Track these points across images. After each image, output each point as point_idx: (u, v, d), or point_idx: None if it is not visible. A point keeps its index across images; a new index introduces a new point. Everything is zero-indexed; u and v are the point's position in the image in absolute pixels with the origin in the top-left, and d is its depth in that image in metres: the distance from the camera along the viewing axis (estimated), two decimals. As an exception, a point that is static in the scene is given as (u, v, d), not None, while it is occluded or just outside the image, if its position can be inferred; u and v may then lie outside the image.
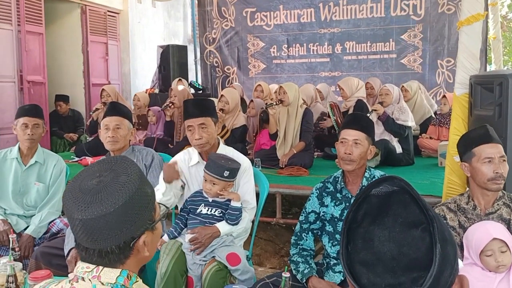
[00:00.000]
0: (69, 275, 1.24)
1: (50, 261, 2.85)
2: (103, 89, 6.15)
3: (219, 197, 2.68)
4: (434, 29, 7.83)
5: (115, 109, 3.11)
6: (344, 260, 0.88)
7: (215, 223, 2.69)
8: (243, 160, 2.84)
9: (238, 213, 2.68)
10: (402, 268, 0.83)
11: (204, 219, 2.70)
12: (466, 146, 2.40)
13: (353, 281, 0.85)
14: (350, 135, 2.48)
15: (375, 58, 8.27)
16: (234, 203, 2.68)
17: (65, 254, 2.74)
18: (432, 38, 7.85)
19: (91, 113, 6.15)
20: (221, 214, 2.71)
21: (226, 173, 2.62)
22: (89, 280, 1.17)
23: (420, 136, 5.96)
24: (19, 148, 3.34)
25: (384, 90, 5.33)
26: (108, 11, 8.97)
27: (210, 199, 2.72)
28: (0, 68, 6.37)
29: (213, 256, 2.61)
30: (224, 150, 2.87)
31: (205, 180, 2.70)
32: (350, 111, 5.62)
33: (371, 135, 2.54)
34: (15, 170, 3.30)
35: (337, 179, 2.55)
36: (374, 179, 2.46)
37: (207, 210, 2.71)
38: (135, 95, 6.82)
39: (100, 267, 1.18)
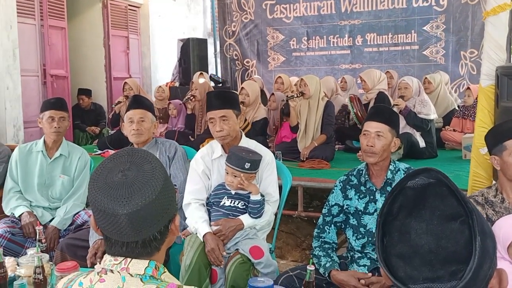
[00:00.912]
0: (95, 266, 1.24)
1: (75, 252, 2.89)
2: (125, 82, 6.19)
3: (240, 187, 2.68)
4: (457, 20, 7.70)
5: (139, 102, 3.13)
6: (379, 253, 0.87)
7: (239, 215, 2.69)
8: (266, 153, 2.83)
9: (259, 206, 2.68)
10: (440, 261, 0.82)
11: (228, 211, 2.70)
12: (496, 139, 2.36)
13: (390, 274, 0.84)
14: (372, 127, 2.45)
15: (397, 49, 8.18)
16: (253, 197, 2.68)
17: (90, 244, 2.77)
18: (455, 29, 7.73)
19: (113, 106, 6.20)
20: (244, 206, 2.71)
21: (247, 165, 2.62)
22: (118, 272, 1.17)
23: (443, 129, 5.88)
24: (45, 141, 3.37)
25: (403, 83, 5.25)
26: (129, 5, 9.02)
27: (233, 192, 2.72)
28: (24, 62, 6.44)
29: (237, 249, 2.61)
30: (247, 142, 2.86)
31: (227, 173, 2.71)
32: (371, 104, 5.57)
33: (395, 128, 2.50)
34: (41, 163, 3.34)
35: (361, 172, 2.53)
36: (398, 172, 2.45)
37: (230, 202, 2.72)
38: (160, 87, 6.84)
39: (128, 259, 1.18)
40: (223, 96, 2.84)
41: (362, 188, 2.49)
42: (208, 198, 2.81)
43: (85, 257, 2.79)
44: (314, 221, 4.73)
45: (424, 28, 7.92)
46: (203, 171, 2.82)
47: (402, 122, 4.98)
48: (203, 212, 2.74)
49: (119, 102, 5.98)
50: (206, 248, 2.57)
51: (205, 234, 2.61)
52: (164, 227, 1.21)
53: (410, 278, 0.83)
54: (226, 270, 2.54)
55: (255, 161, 2.66)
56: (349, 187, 2.53)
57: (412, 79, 5.35)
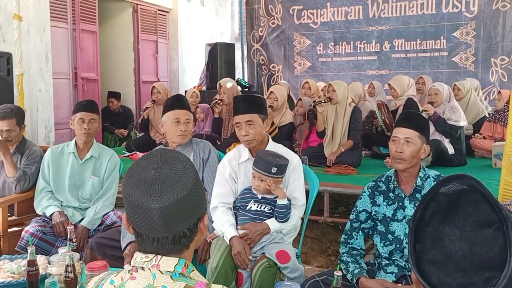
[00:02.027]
0: (125, 266, 1.27)
1: (104, 251, 2.93)
2: (153, 86, 6.24)
3: (266, 191, 2.69)
4: (487, 27, 7.59)
5: (183, 102, 3.12)
6: (412, 259, 0.87)
7: (265, 219, 2.70)
8: (292, 157, 2.83)
9: (285, 210, 2.68)
10: (474, 267, 0.81)
11: (254, 215, 2.71)
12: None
13: (423, 280, 0.84)
14: (401, 133, 2.43)
15: (425, 56, 8.10)
16: (280, 201, 2.68)
17: (122, 247, 2.82)
18: (486, 35, 7.61)
19: (142, 112, 6.28)
20: (270, 211, 2.71)
21: (273, 170, 2.63)
22: (149, 269, 1.19)
23: (473, 136, 5.79)
24: (76, 143, 3.44)
25: (433, 89, 5.19)
26: (159, 10, 9.16)
27: (259, 196, 2.73)
28: (56, 65, 6.60)
29: (263, 253, 2.62)
30: (274, 147, 2.87)
31: (254, 177, 2.72)
32: (400, 110, 5.52)
33: (425, 134, 2.47)
34: (72, 164, 3.41)
35: (389, 178, 2.51)
36: (428, 179, 2.43)
37: (257, 207, 2.73)
38: (194, 92, 6.90)
39: (159, 256, 1.20)
40: (250, 101, 2.84)
41: (391, 194, 2.48)
42: (234, 202, 2.83)
43: (114, 256, 2.84)
44: (340, 227, 4.72)
45: (454, 34, 7.83)
46: (230, 175, 2.84)
47: (431, 128, 4.92)
48: (230, 216, 2.75)
49: (147, 108, 6.05)
50: (233, 252, 2.59)
51: (231, 238, 2.63)
52: (194, 225, 1.24)
53: (443, 284, 0.83)
54: (252, 274, 2.55)
55: (282, 166, 2.67)
56: (378, 193, 2.51)
57: (443, 85, 5.28)
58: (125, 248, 2.79)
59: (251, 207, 2.73)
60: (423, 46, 8.09)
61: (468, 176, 0.90)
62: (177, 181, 1.19)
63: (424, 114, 4.89)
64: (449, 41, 7.88)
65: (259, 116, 2.77)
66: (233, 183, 2.84)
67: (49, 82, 6.41)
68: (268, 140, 2.88)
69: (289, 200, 2.72)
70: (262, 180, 2.67)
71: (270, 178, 2.64)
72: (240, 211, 2.77)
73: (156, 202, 1.16)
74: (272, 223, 2.68)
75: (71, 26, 6.99)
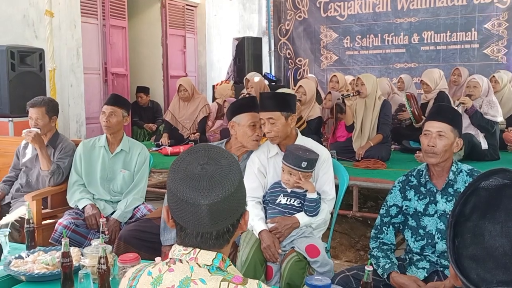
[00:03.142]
0: (156, 259, 1.27)
1: (136, 244, 2.97)
2: (180, 84, 6.07)
3: (296, 186, 2.68)
4: (521, 18, 7.39)
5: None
6: (451, 254, 0.86)
7: (294, 213, 2.69)
8: (322, 151, 2.82)
9: (315, 204, 2.67)
10: None
11: (284, 209, 2.71)
12: None
13: (461, 276, 0.83)
14: (433, 126, 2.39)
15: (455, 48, 7.92)
16: (309, 195, 2.67)
17: (162, 242, 2.87)
18: (519, 27, 7.41)
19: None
20: (300, 205, 2.71)
21: (304, 164, 2.62)
22: (187, 262, 1.20)
23: (506, 130, 5.65)
24: (106, 137, 3.49)
25: (472, 82, 5.06)
26: (186, 4, 9.20)
27: (289, 190, 2.73)
28: (87, 61, 6.70)
29: (292, 247, 2.62)
30: (303, 141, 2.85)
31: (283, 171, 2.72)
32: (431, 103, 5.42)
33: (458, 127, 2.42)
34: (103, 158, 3.46)
35: (421, 172, 2.47)
36: (461, 173, 2.39)
37: (286, 200, 2.73)
38: (232, 85, 6.89)
39: (197, 250, 1.21)
40: (273, 98, 2.81)
41: (422, 189, 2.44)
42: (264, 196, 2.83)
43: (145, 248, 2.89)
44: (369, 222, 4.68)
45: (485, 26, 7.64)
46: (259, 169, 2.84)
47: (465, 122, 4.81)
48: (259, 210, 2.76)
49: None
50: (262, 245, 2.59)
51: (261, 231, 2.63)
52: (236, 221, 1.25)
53: (483, 280, 0.81)
54: (282, 268, 2.56)
55: (311, 160, 2.66)
56: (409, 188, 2.48)
57: (483, 78, 5.11)
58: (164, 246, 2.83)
59: (280, 201, 2.73)
60: (453, 38, 7.91)
61: (510, 171, 0.87)
62: (224, 178, 1.20)
63: (460, 107, 4.78)
64: (480, 33, 7.69)
65: (281, 114, 2.73)
66: (262, 177, 2.85)
67: (80, 77, 6.51)
68: (297, 134, 2.87)
69: (318, 194, 2.72)
70: (291, 175, 2.67)
71: (300, 173, 2.63)
72: (270, 205, 2.77)
73: (205, 198, 1.17)
74: (301, 217, 2.67)
75: (101, 22, 7.08)
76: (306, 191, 2.69)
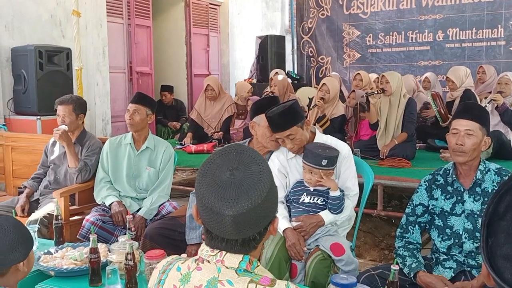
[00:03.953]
0: (182, 255, 1.27)
1: (161, 241, 3.01)
2: (208, 84, 6.01)
3: (318, 184, 2.66)
4: (548, 14, 7.24)
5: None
6: (485, 254, 0.85)
7: (318, 211, 2.68)
8: (342, 147, 2.78)
9: (338, 201, 2.66)
10: None
11: (307, 207, 2.71)
12: None
13: (495, 276, 0.82)
14: (461, 125, 2.35)
15: (481, 45, 7.81)
16: (332, 193, 2.66)
17: (187, 241, 2.86)
18: (546, 24, 7.26)
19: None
20: (323, 203, 2.70)
21: (324, 162, 2.60)
22: (214, 263, 1.20)
23: (535, 128, 5.53)
24: (132, 134, 3.53)
25: (504, 79, 4.97)
26: (210, 3, 9.25)
27: (312, 188, 2.71)
28: (112, 60, 6.78)
29: (317, 245, 2.61)
30: (321, 138, 2.82)
31: (304, 170, 2.71)
32: (457, 102, 5.34)
33: (486, 125, 2.37)
34: (129, 155, 3.51)
35: (448, 171, 2.44)
36: (489, 172, 2.35)
37: (310, 199, 2.72)
38: (250, 87, 6.88)
39: (223, 252, 1.20)
40: (282, 116, 2.67)
41: (449, 188, 2.41)
42: (287, 196, 2.82)
43: (169, 245, 2.91)
44: (393, 221, 4.64)
45: (512, 22, 7.51)
46: (279, 170, 2.81)
47: (495, 119, 4.72)
48: (283, 209, 2.75)
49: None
50: (287, 243, 2.59)
51: (285, 229, 2.63)
52: (264, 229, 1.22)
53: None
54: (307, 266, 2.55)
55: (332, 157, 2.64)
56: (435, 187, 2.45)
57: None
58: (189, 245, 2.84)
59: (304, 200, 2.72)
60: (479, 36, 7.79)
61: (545, 169, 0.86)
62: (252, 187, 1.16)
63: (490, 105, 4.68)
64: (507, 29, 7.55)
65: (296, 127, 2.67)
66: (283, 177, 2.83)
67: (106, 76, 6.61)
68: (314, 133, 2.84)
69: (341, 191, 2.70)
70: (313, 173, 2.65)
71: (321, 171, 2.62)
72: (294, 204, 2.76)
73: (230, 209, 1.14)
74: (326, 215, 2.66)
75: (126, 21, 7.16)
76: (329, 188, 2.68)
